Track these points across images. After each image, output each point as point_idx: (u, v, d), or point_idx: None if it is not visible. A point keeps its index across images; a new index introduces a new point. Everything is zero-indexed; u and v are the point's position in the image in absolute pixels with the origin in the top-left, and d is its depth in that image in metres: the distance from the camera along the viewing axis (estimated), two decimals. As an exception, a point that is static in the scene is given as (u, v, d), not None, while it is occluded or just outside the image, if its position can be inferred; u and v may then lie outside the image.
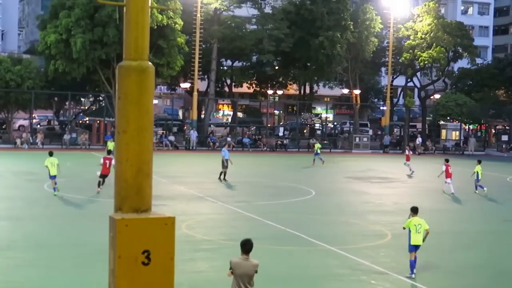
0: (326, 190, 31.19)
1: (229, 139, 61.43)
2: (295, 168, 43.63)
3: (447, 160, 32.34)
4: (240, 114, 79.94)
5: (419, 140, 64.44)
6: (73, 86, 59.94)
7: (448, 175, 30.86)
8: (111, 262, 7.60)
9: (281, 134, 68.44)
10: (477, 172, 31.27)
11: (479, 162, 31.94)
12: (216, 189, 30.26)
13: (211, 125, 69.34)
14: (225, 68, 71.75)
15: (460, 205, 28.01)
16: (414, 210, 15.33)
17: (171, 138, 57.94)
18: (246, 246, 9.86)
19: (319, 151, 45.23)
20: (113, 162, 27.05)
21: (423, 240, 15.12)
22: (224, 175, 33.07)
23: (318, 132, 73.33)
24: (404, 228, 15.52)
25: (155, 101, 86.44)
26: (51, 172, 26.62)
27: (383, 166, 46.20)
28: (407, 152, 41.48)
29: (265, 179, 35.54)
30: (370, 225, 21.99)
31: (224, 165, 33.09)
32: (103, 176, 27.40)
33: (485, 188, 31.07)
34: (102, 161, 27.47)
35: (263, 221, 21.73)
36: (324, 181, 35.37)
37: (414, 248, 15.06)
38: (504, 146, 68.17)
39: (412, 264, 15.08)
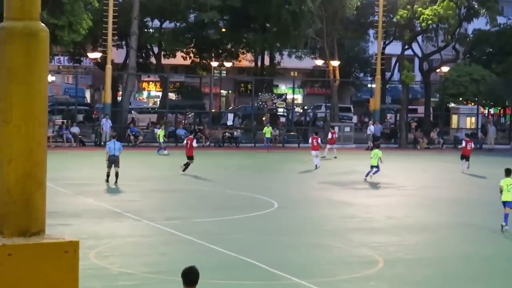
0: (293, 201, 31.28)
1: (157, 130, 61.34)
2: (250, 171, 43.66)
3: (316, 133, 46.75)
4: (172, 96, 79.78)
5: (370, 129, 63.39)
6: None
7: (313, 148, 42.63)
8: (-11, 307, 7.50)
9: (230, 123, 68.36)
10: (378, 157, 37.15)
11: (378, 146, 40.53)
12: (140, 202, 30.11)
13: (132, 111, 69.07)
14: (151, 31, 71.42)
15: (483, 220, 28.37)
16: (508, 172, 23.87)
17: (75, 130, 57.42)
18: (190, 276, 9.75)
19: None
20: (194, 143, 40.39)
21: None
22: (116, 176, 33.37)
23: (283, 119, 73.56)
24: (500, 189, 23.89)
25: (52, 78, 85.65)
26: None
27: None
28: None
29: (209, 186, 35.53)
30: (354, 248, 22.13)
31: (111, 161, 33.38)
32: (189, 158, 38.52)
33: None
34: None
35: (205, 245, 21.71)
36: (291, 189, 35.50)
37: (504, 204, 23.84)
38: (536, 138, 69.26)
39: (505, 216, 23.86)
